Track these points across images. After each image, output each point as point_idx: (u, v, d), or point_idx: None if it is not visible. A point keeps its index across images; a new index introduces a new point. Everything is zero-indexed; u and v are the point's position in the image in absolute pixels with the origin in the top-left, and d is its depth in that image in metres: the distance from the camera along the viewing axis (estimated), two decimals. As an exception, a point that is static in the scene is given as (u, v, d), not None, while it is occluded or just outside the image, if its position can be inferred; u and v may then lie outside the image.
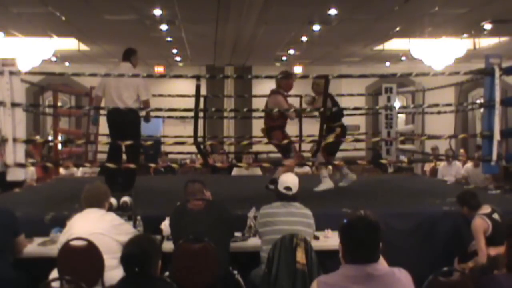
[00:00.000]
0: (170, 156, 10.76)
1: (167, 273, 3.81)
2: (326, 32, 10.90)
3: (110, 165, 5.73)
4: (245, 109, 6.06)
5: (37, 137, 8.95)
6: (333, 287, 2.47)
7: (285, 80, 6.26)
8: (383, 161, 8.45)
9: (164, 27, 10.47)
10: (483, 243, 4.47)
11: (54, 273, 3.80)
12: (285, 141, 5.99)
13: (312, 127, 7.74)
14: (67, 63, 15.25)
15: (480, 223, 4.53)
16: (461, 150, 11.14)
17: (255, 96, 10.53)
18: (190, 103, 5.93)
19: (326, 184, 6.44)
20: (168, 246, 4.13)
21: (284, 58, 15.04)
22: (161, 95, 9.59)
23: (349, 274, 2.48)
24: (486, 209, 4.63)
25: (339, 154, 6.83)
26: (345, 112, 6.74)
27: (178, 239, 3.96)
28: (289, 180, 4.33)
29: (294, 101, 8.61)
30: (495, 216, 4.58)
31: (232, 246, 4.24)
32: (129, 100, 5.87)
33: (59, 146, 9.96)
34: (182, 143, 6.49)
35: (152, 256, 2.90)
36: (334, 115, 6.32)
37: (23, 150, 5.40)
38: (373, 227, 2.52)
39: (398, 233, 4.86)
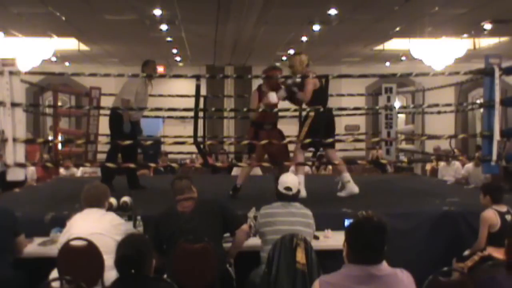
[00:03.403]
0: (170, 156, 10.75)
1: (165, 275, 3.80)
2: (326, 32, 10.89)
3: (110, 164, 5.74)
4: (245, 109, 6.03)
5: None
6: (335, 286, 2.47)
7: (267, 79, 6.10)
8: (383, 161, 8.44)
9: (164, 27, 10.47)
10: (484, 233, 4.56)
11: (54, 273, 3.79)
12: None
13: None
14: (67, 63, 15.25)
15: (490, 216, 4.59)
16: (456, 150, 11.10)
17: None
18: (190, 103, 5.92)
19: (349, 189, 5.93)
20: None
21: (284, 58, 15.02)
22: (161, 95, 9.58)
23: (352, 274, 2.47)
24: (502, 207, 4.68)
25: (339, 154, 6.77)
26: (345, 112, 6.66)
27: (170, 241, 3.93)
28: (289, 180, 4.32)
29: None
30: (508, 217, 4.61)
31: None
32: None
33: (59, 146, 9.97)
34: (182, 143, 6.48)
35: (146, 255, 2.87)
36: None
37: (23, 150, 5.39)
38: (380, 229, 2.50)
39: (398, 233, 4.85)
